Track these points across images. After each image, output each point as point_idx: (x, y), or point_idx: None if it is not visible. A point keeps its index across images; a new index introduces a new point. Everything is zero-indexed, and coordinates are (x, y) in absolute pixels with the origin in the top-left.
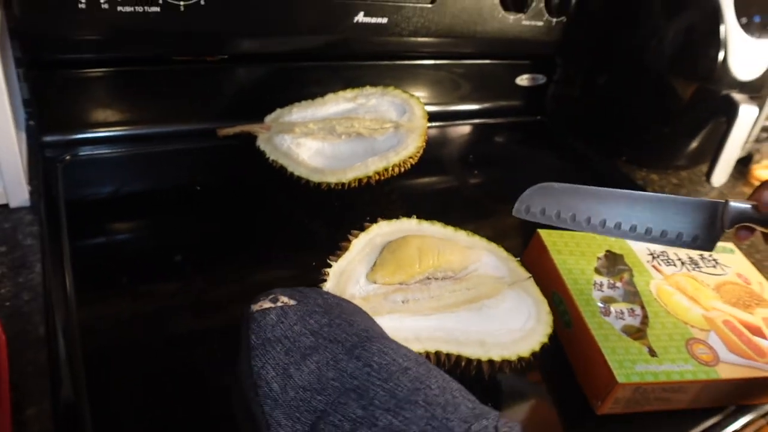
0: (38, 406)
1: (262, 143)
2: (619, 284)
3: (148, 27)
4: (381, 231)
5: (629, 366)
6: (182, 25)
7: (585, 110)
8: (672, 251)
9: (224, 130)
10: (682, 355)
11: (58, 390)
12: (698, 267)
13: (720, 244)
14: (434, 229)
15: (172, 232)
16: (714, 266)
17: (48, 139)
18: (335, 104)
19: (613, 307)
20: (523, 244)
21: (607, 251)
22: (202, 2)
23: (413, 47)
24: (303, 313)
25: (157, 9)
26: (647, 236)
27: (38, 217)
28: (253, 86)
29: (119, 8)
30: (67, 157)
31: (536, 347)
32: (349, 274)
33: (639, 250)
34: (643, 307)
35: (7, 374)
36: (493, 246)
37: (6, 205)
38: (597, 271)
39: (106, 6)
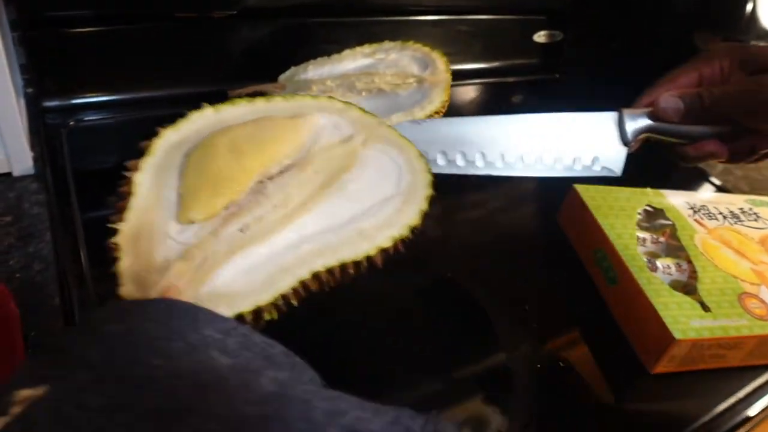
0: None
1: None
2: (662, 239)
3: None
4: (169, 144)
5: (684, 321)
6: None
7: (603, 68)
8: (711, 205)
9: (235, 90)
10: (736, 309)
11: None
12: (740, 221)
13: (758, 198)
14: (240, 111)
15: None
16: (755, 219)
17: (48, 104)
18: (353, 60)
19: (659, 262)
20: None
21: (648, 205)
22: None
23: (427, 1)
24: (63, 403)
25: None
26: (554, 168)
27: (44, 184)
28: (263, 45)
29: None
30: (71, 123)
31: (423, 205)
32: (149, 231)
33: (679, 204)
34: (689, 262)
35: (23, 348)
36: (323, 101)
37: (9, 174)
38: (639, 226)
39: None
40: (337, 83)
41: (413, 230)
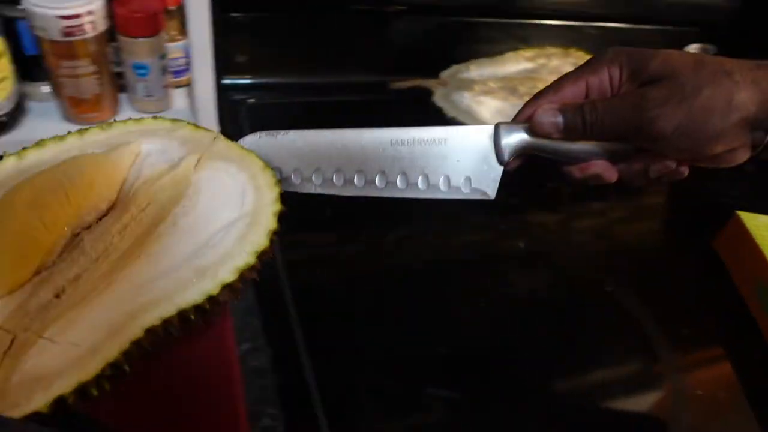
0: (253, 342)
1: (439, 99)
2: None
3: None
4: None
5: None
6: None
7: None
8: None
9: (398, 83)
10: None
11: (270, 326)
12: None
13: None
14: (48, 154)
15: None
16: None
17: (229, 82)
18: (515, 63)
19: None
20: None
21: None
22: None
23: (584, 7)
24: None
25: None
26: (419, 188)
27: None
28: (425, 40)
29: None
30: (250, 101)
31: (272, 225)
32: None
33: None
34: None
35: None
36: (147, 123)
37: None
38: None
39: None
40: (500, 85)
41: (261, 256)
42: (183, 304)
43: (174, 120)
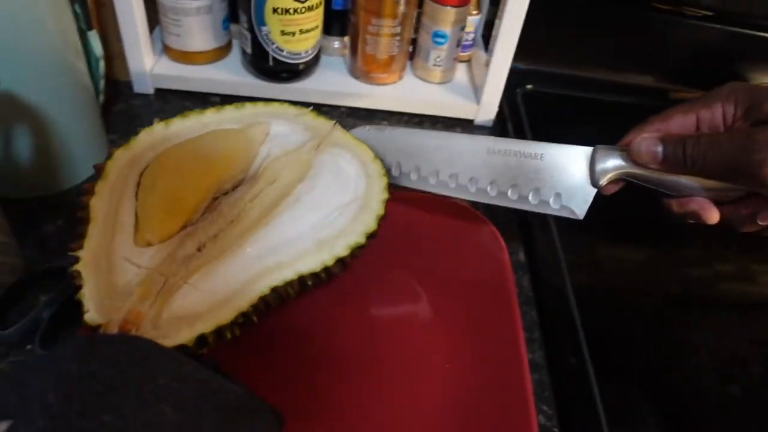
0: (529, 333)
1: None
2: None
3: None
4: (121, 165)
5: None
6: None
7: None
8: None
9: (680, 93)
10: None
11: (550, 320)
12: None
13: None
14: (189, 124)
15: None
16: None
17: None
18: None
19: None
20: None
21: None
22: None
23: None
24: None
25: None
26: (508, 197)
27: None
28: (720, 51)
29: None
30: (528, 87)
31: (380, 211)
32: (109, 256)
33: None
34: None
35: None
36: (275, 107)
37: (471, 121)
38: None
39: None
40: None
41: (370, 236)
42: (303, 270)
43: (299, 107)
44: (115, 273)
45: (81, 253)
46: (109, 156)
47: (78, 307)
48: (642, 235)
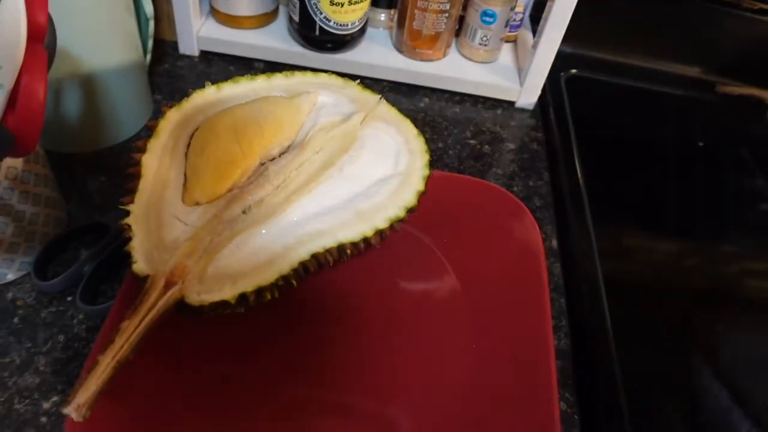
0: (556, 320)
1: None
2: None
3: None
4: (173, 125)
5: None
6: None
7: None
8: None
9: (727, 87)
10: None
11: (577, 308)
12: None
13: None
14: (240, 89)
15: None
16: None
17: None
18: None
19: None
20: None
21: None
22: None
23: None
24: None
25: None
26: None
27: (540, 123)
28: (766, 46)
29: None
30: (573, 71)
31: (420, 186)
32: (158, 212)
33: None
34: None
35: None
36: (323, 77)
37: (512, 103)
38: None
39: None
40: None
41: (409, 211)
42: (342, 239)
43: (345, 78)
44: (164, 228)
45: (132, 207)
46: (161, 115)
47: (119, 263)
48: (676, 227)
